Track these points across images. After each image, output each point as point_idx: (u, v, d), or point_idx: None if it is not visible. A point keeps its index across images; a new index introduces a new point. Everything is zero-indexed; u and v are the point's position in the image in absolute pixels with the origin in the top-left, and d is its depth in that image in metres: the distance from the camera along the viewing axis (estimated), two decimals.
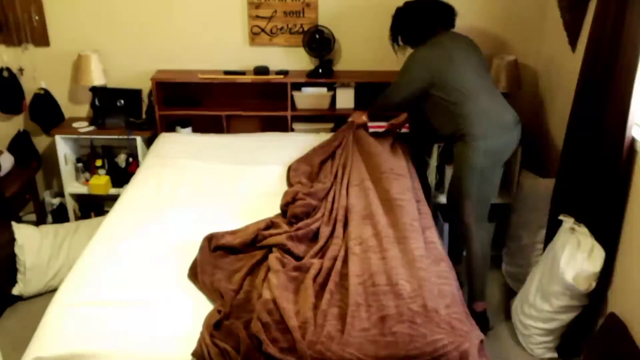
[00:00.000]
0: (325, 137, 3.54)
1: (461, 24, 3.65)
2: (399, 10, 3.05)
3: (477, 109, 2.78)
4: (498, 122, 2.80)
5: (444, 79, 2.81)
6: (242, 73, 3.69)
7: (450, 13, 3.02)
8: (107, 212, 2.98)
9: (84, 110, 3.93)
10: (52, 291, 3.10)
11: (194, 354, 1.93)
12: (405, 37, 3.05)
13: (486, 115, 2.78)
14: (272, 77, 3.66)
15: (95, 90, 3.72)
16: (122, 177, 3.77)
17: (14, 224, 3.28)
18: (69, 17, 3.69)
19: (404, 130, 3.61)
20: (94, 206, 3.97)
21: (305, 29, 3.68)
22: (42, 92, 3.76)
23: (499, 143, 2.81)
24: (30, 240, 3.26)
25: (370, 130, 3.61)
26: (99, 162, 3.83)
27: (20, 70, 3.76)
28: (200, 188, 3.01)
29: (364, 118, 3.37)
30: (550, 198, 3.05)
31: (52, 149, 3.84)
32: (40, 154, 3.97)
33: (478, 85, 2.83)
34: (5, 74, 3.67)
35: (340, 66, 3.80)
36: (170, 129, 3.80)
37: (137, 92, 3.81)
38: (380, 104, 3.17)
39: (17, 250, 3.22)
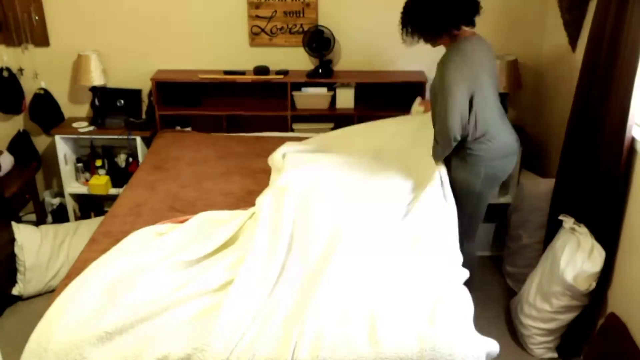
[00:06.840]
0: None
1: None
2: None
3: (492, 144, 2.62)
4: (504, 151, 2.66)
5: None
6: (242, 73, 3.69)
7: (473, 7, 2.57)
8: (107, 212, 2.98)
9: (83, 110, 3.93)
10: (52, 291, 3.11)
11: None
12: (416, 27, 2.58)
13: (494, 146, 2.62)
14: (272, 77, 3.66)
15: (95, 90, 3.72)
16: (122, 177, 3.77)
17: (13, 224, 3.28)
18: (69, 17, 3.69)
19: None
20: (94, 206, 3.97)
21: (305, 29, 3.68)
22: (42, 92, 3.76)
23: (501, 169, 2.69)
24: (30, 240, 3.26)
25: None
26: (98, 162, 3.83)
27: (20, 70, 3.76)
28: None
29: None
30: (550, 198, 3.05)
31: (52, 149, 3.84)
32: (40, 154, 3.96)
33: (495, 114, 2.62)
34: (5, 74, 3.67)
35: (340, 66, 3.80)
36: (170, 128, 3.80)
37: (137, 92, 3.81)
38: (442, 147, 2.62)
39: (17, 250, 3.22)
